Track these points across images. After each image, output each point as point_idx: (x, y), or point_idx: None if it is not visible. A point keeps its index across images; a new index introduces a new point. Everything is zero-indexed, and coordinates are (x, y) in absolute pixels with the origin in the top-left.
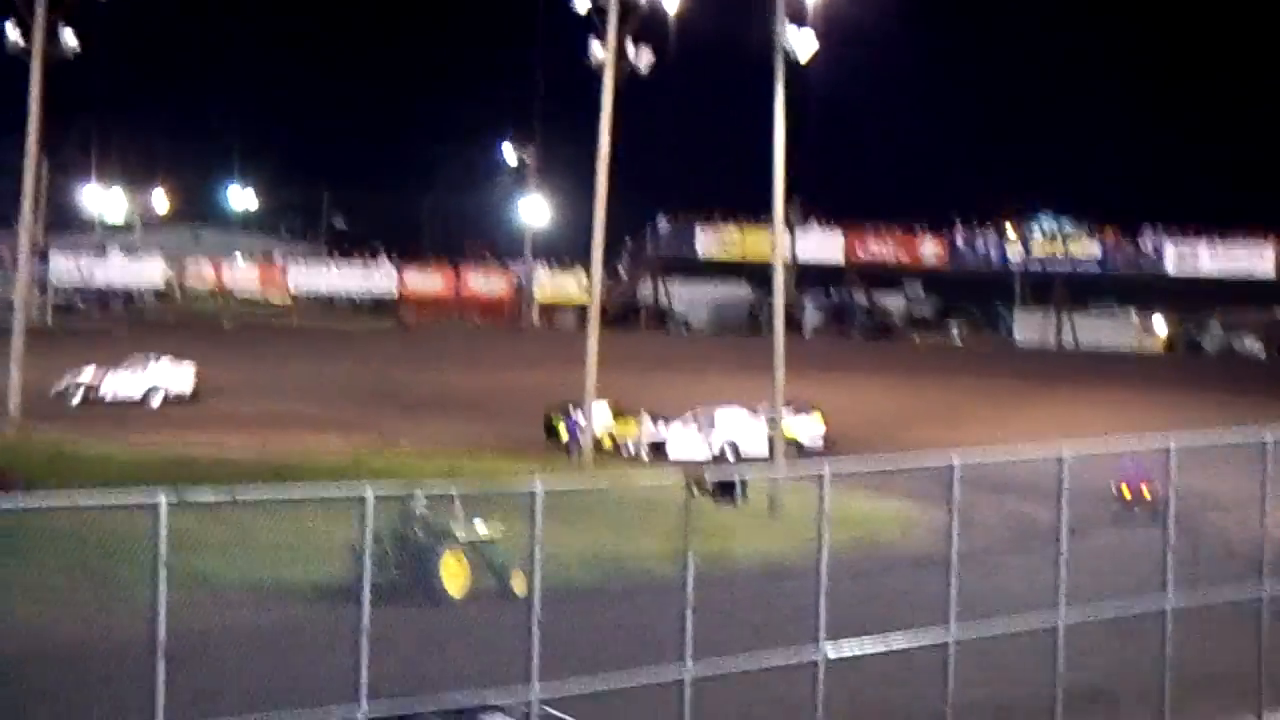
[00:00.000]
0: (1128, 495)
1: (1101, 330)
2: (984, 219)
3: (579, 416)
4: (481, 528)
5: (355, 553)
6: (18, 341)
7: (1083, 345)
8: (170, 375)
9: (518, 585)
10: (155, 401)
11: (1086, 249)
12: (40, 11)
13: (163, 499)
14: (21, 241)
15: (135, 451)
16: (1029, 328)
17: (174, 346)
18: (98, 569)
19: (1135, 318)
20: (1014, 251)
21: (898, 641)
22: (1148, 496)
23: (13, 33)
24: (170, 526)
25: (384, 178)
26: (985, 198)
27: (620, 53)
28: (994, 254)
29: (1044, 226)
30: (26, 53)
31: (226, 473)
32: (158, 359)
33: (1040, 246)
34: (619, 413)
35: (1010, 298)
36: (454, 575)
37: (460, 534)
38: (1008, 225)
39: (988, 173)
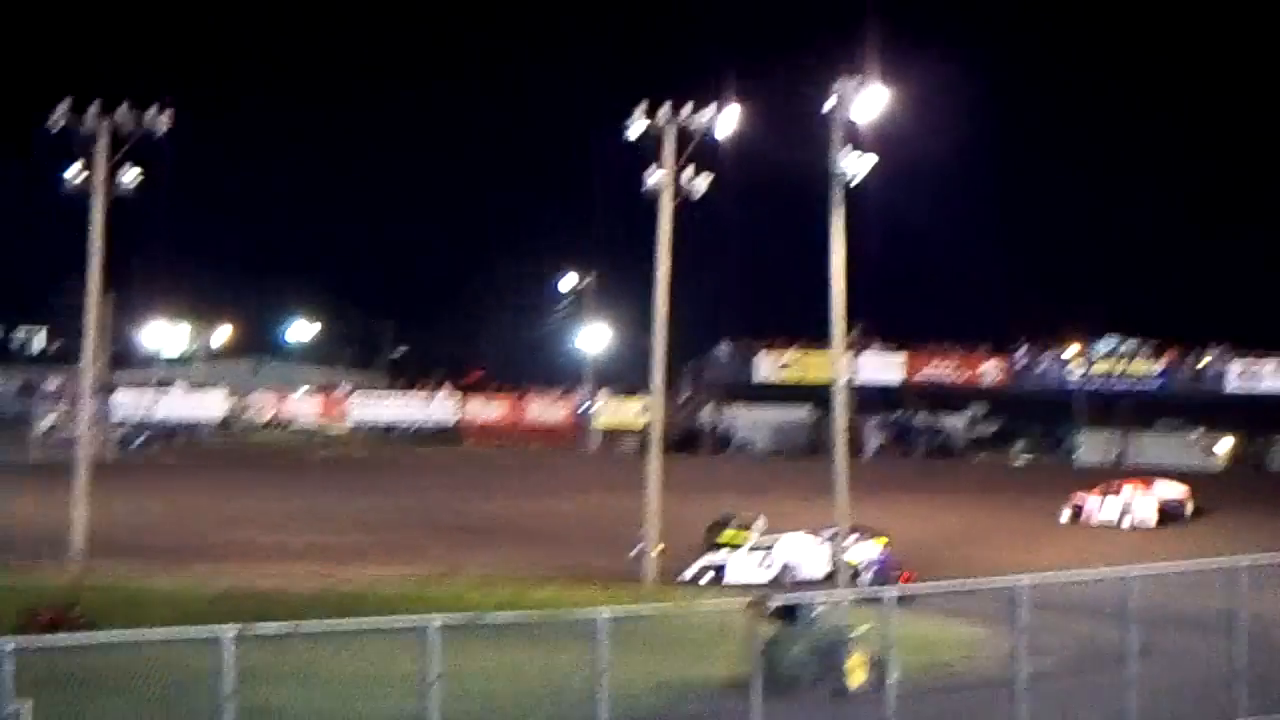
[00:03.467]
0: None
1: (1164, 449)
2: (1046, 340)
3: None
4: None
5: (754, 649)
6: (81, 478)
7: (1145, 465)
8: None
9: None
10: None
11: (1148, 368)
12: (102, 148)
13: (227, 633)
14: (84, 378)
15: (199, 587)
16: (1092, 447)
17: (232, 477)
18: (165, 706)
19: (1198, 436)
20: (1076, 371)
21: None
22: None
23: (74, 170)
24: (237, 661)
25: (444, 308)
26: (1047, 319)
27: (676, 178)
28: (1056, 374)
29: (1106, 347)
30: (88, 190)
31: (291, 605)
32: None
33: (1102, 366)
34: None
35: (1072, 418)
36: (854, 669)
37: (857, 630)
38: (1070, 345)
39: (1050, 294)
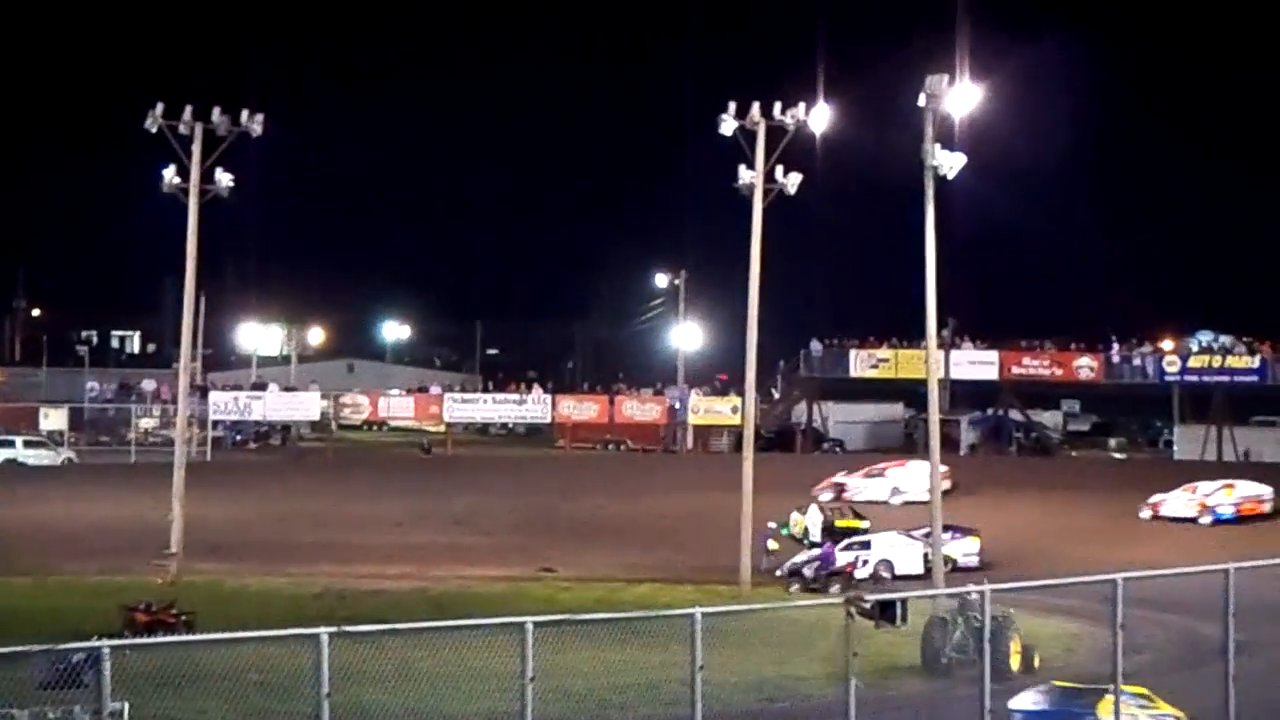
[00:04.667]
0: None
1: (1263, 443)
2: (1140, 335)
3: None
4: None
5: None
6: (178, 477)
7: (1242, 459)
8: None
9: (1035, 662)
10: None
11: (1245, 362)
12: (196, 152)
13: (324, 632)
14: (181, 379)
15: (295, 586)
16: (1188, 442)
17: (327, 477)
18: (262, 703)
19: None
20: (1171, 366)
21: None
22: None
23: (169, 173)
24: (332, 660)
25: (536, 308)
26: (1141, 314)
27: (767, 176)
28: (1150, 369)
29: (1201, 341)
30: (183, 192)
31: (386, 605)
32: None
33: (1198, 361)
34: None
35: (1168, 413)
36: (1013, 654)
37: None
38: (1164, 341)
39: (1144, 290)
